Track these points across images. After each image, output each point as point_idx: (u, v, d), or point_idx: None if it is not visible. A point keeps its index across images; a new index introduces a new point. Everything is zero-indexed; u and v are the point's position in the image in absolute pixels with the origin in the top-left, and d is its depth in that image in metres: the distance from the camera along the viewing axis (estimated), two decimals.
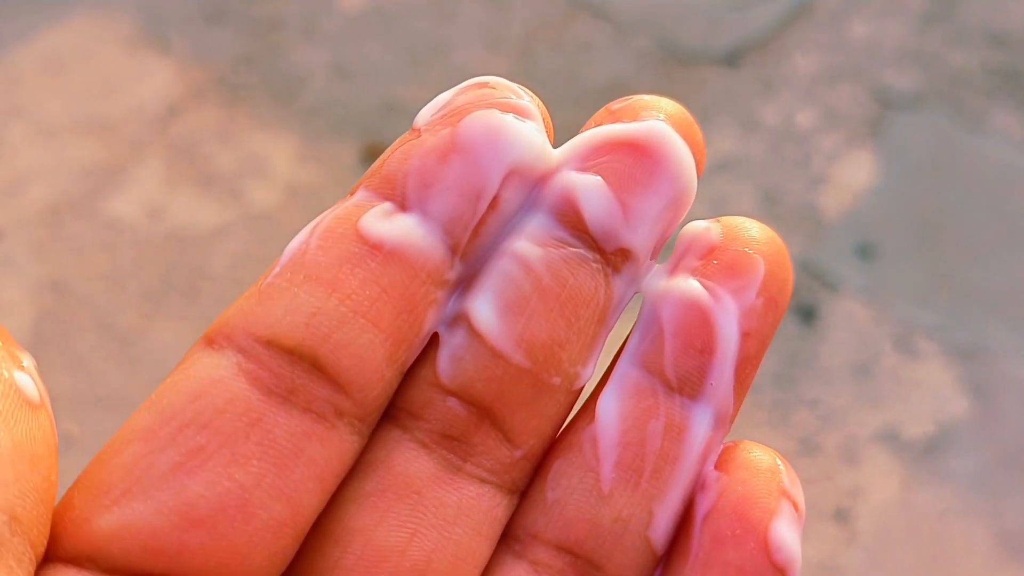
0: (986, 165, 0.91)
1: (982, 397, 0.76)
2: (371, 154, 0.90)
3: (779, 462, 0.18)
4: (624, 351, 0.19)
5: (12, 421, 0.15)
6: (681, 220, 0.19)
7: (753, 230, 0.19)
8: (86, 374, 0.78)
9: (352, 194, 0.18)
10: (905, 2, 1.03)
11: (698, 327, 0.18)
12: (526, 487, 0.18)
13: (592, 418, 0.18)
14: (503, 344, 0.17)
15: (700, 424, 0.18)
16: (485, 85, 0.19)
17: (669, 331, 0.18)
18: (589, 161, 0.18)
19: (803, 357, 0.78)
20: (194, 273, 0.83)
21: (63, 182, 0.89)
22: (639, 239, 0.18)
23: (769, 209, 0.87)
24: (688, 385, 0.18)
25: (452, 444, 0.18)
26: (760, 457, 0.18)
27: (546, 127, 0.19)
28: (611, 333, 0.19)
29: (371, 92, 0.95)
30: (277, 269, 0.17)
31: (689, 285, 0.18)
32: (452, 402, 0.18)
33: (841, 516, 0.71)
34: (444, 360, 0.18)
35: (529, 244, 0.18)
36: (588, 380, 0.19)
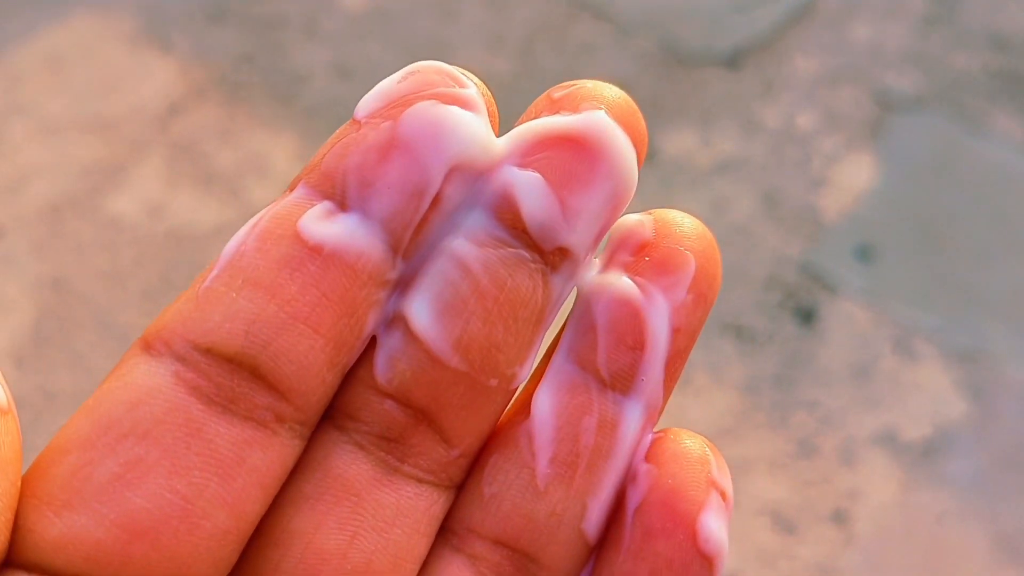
0: (986, 168, 0.91)
1: (980, 400, 0.76)
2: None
3: (708, 451, 0.18)
4: (558, 346, 0.19)
5: None
6: (620, 215, 0.19)
7: (685, 225, 0.19)
8: (86, 372, 0.78)
9: (291, 190, 0.18)
10: (906, 4, 1.03)
11: (630, 324, 0.18)
12: (463, 481, 0.19)
13: (528, 413, 0.18)
14: (440, 347, 0.17)
15: (631, 419, 0.18)
16: (428, 71, 0.18)
17: (602, 328, 0.18)
18: (529, 156, 0.18)
19: (802, 359, 0.78)
20: (194, 271, 0.83)
21: (64, 180, 0.89)
22: (578, 237, 0.18)
23: (769, 211, 0.87)
24: (620, 381, 0.18)
25: (389, 445, 0.18)
26: (690, 447, 0.18)
27: (491, 115, 0.18)
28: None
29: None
30: (215, 272, 0.17)
31: (622, 283, 0.18)
32: (389, 404, 0.17)
33: (839, 518, 0.71)
34: (381, 362, 0.17)
35: (467, 244, 0.18)
36: (525, 379, 0.19)
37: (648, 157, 0.94)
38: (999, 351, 0.79)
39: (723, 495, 0.18)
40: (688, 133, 0.92)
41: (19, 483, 0.16)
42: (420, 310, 0.17)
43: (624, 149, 0.18)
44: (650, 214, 0.19)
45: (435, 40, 1.00)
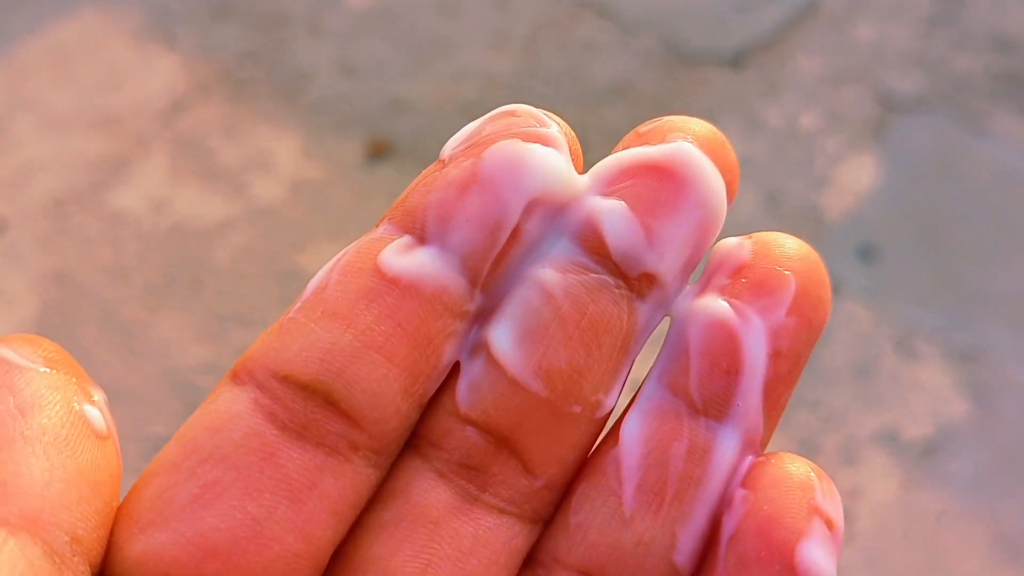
0: (988, 169, 0.91)
1: (981, 400, 0.76)
2: (375, 150, 0.90)
3: (812, 476, 0.17)
4: (651, 372, 0.18)
5: (79, 449, 0.16)
6: (711, 242, 0.18)
7: (786, 246, 0.18)
8: (90, 366, 0.78)
9: (377, 227, 0.18)
10: (910, 5, 1.03)
11: (724, 347, 0.18)
12: (552, 514, 0.18)
13: (617, 441, 0.18)
14: (521, 372, 0.17)
15: (726, 446, 0.18)
16: (511, 114, 0.18)
17: (695, 352, 0.18)
18: (613, 186, 0.18)
19: None
20: (198, 266, 0.83)
21: (69, 175, 0.89)
22: (664, 264, 0.18)
23: (772, 210, 0.87)
24: (714, 407, 0.18)
25: (470, 473, 0.18)
26: (791, 471, 0.17)
27: (573, 153, 0.18)
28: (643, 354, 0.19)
29: (376, 89, 0.96)
30: (299, 304, 0.18)
31: (715, 304, 0.18)
32: (470, 431, 0.18)
33: None
34: (463, 389, 0.18)
35: (549, 271, 0.18)
36: (612, 407, 0.18)
37: None
38: (1000, 351, 0.79)
39: (829, 523, 0.17)
40: None
41: (115, 504, 0.16)
42: (501, 336, 0.17)
43: (710, 176, 0.18)
44: (750, 237, 0.19)
45: (439, 38, 1.00)
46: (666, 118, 0.19)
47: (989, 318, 0.81)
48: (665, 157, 0.18)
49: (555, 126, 0.18)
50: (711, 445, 0.18)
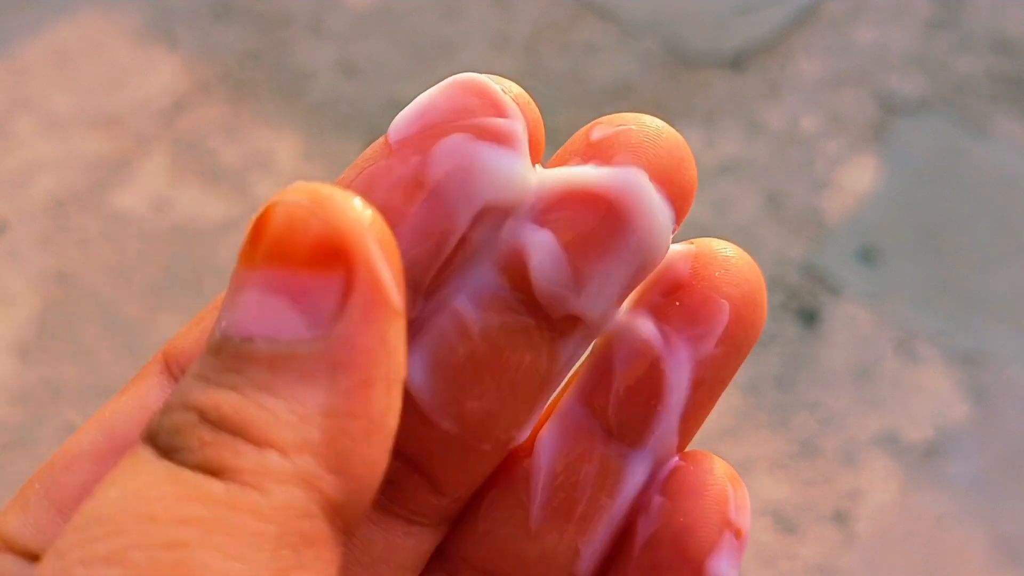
0: (989, 171, 0.91)
1: (982, 402, 0.76)
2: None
3: (728, 488, 0.17)
4: (572, 385, 0.18)
5: None
6: (645, 277, 0.18)
7: (728, 263, 0.17)
8: (91, 365, 0.78)
9: None
10: (910, 8, 1.03)
11: (647, 376, 0.17)
12: (460, 512, 0.18)
13: (530, 452, 0.18)
14: (431, 409, 0.17)
15: (637, 471, 0.18)
16: (469, 91, 0.17)
17: (617, 375, 0.18)
18: (551, 213, 0.17)
19: (804, 360, 0.79)
20: (199, 266, 0.83)
21: (69, 174, 0.89)
22: (591, 306, 0.17)
23: (772, 212, 0.87)
24: (629, 432, 0.18)
25: (381, 486, 0.17)
26: (707, 482, 0.17)
27: (533, 136, 0.17)
28: None
29: (377, 89, 0.96)
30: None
31: (643, 329, 0.17)
32: None
33: (840, 519, 0.71)
34: None
35: (470, 304, 0.17)
36: (523, 439, 0.18)
37: None
38: (1001, 353, 0.79)
39: (738, 533, 0.17)
40: (691, 134, 0.92)
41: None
42: (415, 368, 0.17)
43: (654, 215, 0.17)
44: (692, 244, 0.18)
45: (440, 39, 1.00)
46: (625, 125, 0.17)
47: (990, 320, 0.81)
48: (609, 188, 0.17)
49: (515, 116, 0.17)
50: (622, 470, 0.18)
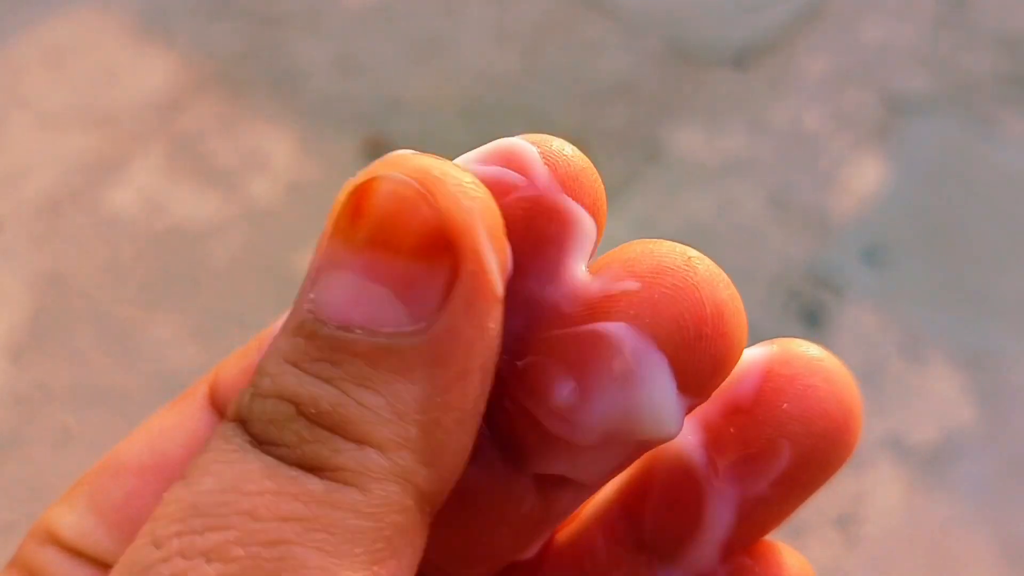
0: (995, 171, 0.90)
1: (989, 405, 0.75)
2: (373, 148, 0.90)
3: None
4: (615, 492, 0.17)
5: None
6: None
7: (805, 389, 0.15)
8: (84, 367, 0.77)
9: None
10: (916, 6, 1.02)
11: (686, 501, 0.16)
12: None
13: (539, 564, 0.18)
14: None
15: None
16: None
17: (656, 490, 0.16)
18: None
19: None
20: (193, 267, 0.82)
21: (63, 174, 0.88)
22: (582, 475, 0.16)
23: (776, 212, 0.86)
24: (663, 548, 0.17)
25: None
26: None
27: (594, 205, 0.16)
28: None
29: (374, 88, 0.95)
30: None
31: (690, 451, 0.16)
32: None
33: (844, 522, 0.70)
34: None
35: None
36: (529, 555, 0.17)
37: (654, 157, 0.93)
38: (1008, 356, 0.78)
39: None
40: (694, 133, 0.92)
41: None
42: None
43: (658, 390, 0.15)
44: (776, 347, 0.16)
45: (439, 36, 0.99)
46: (643, 256, 0.15)
47: (997, 322, 0.80)
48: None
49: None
50: None
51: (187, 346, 0.78)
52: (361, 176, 0.14)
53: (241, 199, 0.87)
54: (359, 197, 0.13)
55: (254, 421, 0.13)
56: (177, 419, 0.17)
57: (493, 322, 0.14)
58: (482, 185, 0.14)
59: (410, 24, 1.00)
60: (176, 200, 0.86)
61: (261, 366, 0.14)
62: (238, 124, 0.92)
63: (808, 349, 0.15)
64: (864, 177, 0.89)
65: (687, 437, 0.16)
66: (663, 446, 0.16)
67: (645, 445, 0.15)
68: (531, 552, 0.17)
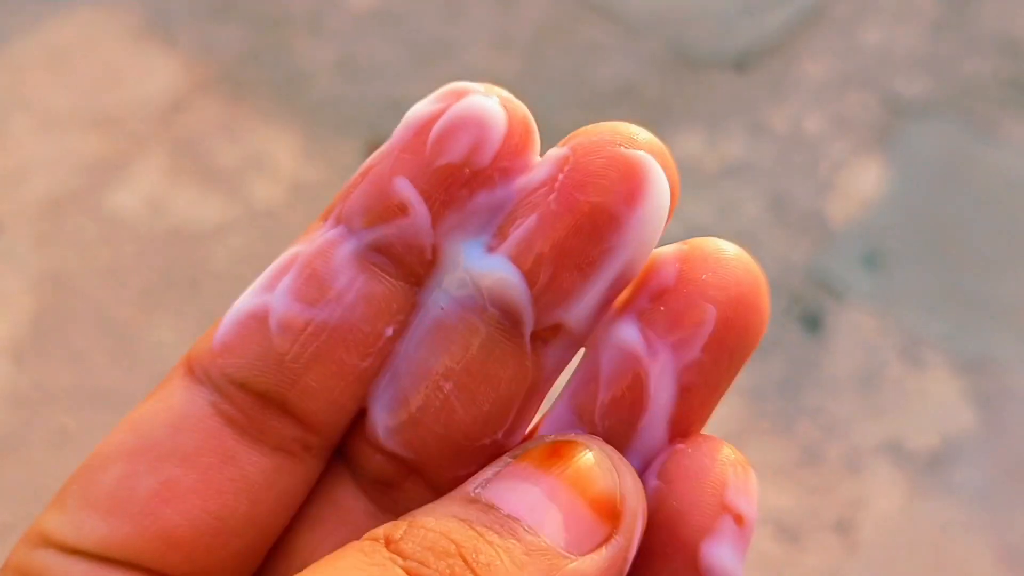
0: (996, 175, 0.90)
1: (988, 409, 0.75)
2: (374, 152, 0.90)
3: (728, 471, 0.17)
4: (564, 391, 0.18)
5: None
6: (630, 282, 0.18)
7: (718, 265, 0.17)
8: (84, 368, 0.77)
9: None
10: (917, 9, 1.02)
11: (629, 382, 0.17)
12: None
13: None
14: (422, 414, 0.18)
15: None
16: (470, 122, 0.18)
17: (603, 381, 0.18)
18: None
19: (807, 366, 0.78)
20: (195, 269, 0.82)
21: (65, 175, 0.88)
22: (575, 316, 0.17)
23: (776, 216, 0.86)
24: (616, 436, 0.18)
25: (383, 487, 0.18)
26: (705, 465, 0.17)
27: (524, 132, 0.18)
28: None
29: (377, 90, 0.95)
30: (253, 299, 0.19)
31: (627, 335, 0.17)
32: (380, 458, 0.18)
33: (843, 527, 0.70)
34: (377, 423, 0.18)
35: (450, 308, 0.18)
36: (515, 442, 0.18)
37: None
38: (1007, 360, 0.78)
39: (739, 519, 0.17)
40: (695, 136, 0.92)
41: None
42: (381, 410, 0.18)
43: (653, 206, 0.17)
44: (686, 245, 0.18)
45: (441, 39, 0.99)
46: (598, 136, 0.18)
47: (996, 326, 0.80)
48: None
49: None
50: None
51: (188, 348, 0.78)
52: (566, 436, 0.17)
53: (243, 201, 0.87)
54: (564, 448, 0.16)
55: (409, 542, 0.15)
56: (156, 402, 0.18)
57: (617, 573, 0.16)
58: (644, 496, 0.17)
59: (413, 27, 1.00)
60: (178, 202, 0.87)
61: (419, 516, 0.16)
62: (240, 126, 0.92)
63: (712, 240, 0.18)
64: (864, 181, 0.89)
65: (623, 325, 0.17)
66: (602, 339, 0.18)
67: (628, 276, 0.17)
68: (519, 434, 0.18)
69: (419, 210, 0.17)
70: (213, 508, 0.17)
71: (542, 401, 0.18)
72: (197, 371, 0.18)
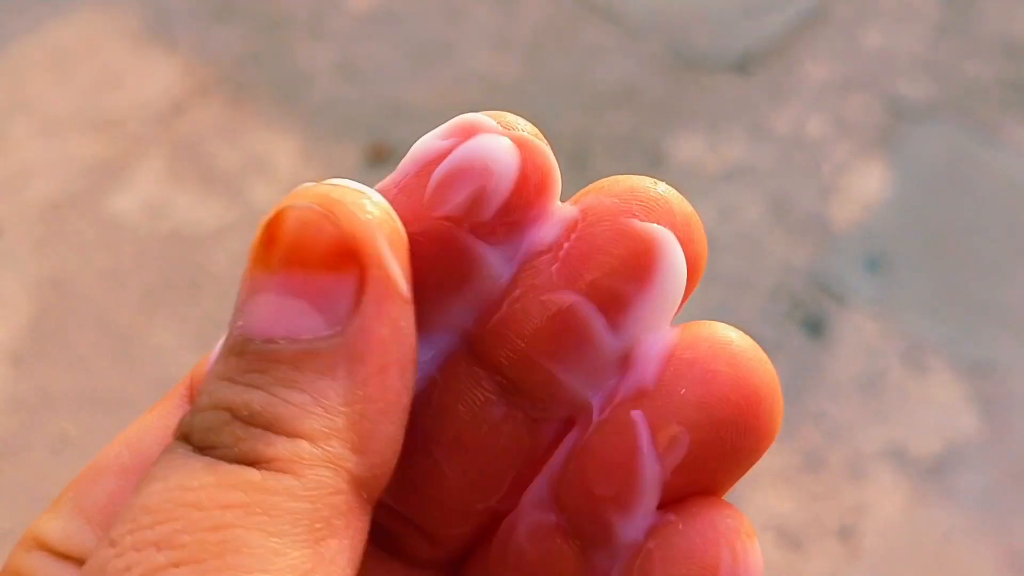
0: (998, 178, 0.89)
1: (991, 414, 0.75)
2: (376, 155, 0.89)
3: (724, 551, 0.15)
4: (549, 466, 0.17)
5: None
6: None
7: (706, 372, 0.15)
8: (84, 373, 0.77)
9: None
10: (919, 11, 1.02)
11: (621, 474, 0.16)
12: (459, 558, 0.19)
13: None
14: (419, 478, 0.18)
15: (595, 570, 0.17)
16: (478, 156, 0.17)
17: (573, 479, 0.17)
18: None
19: (809, 370, 0.77)
20: (195, 272, 0.82)
21: (65, 178, 0.88)
22: (575, 393, 0.17)
23: (778, 219, 0.86)
24: (584, 537, 0.17)
25: (386, 539, 0.18)
26: (697, 546, 0.16)
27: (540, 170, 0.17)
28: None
29: (377, 92, 0.95)
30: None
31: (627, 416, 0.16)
32: (379, 512, 0.17)
33: (845, 533, 0.70)
34: None
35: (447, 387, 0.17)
36: (512, 508, 0.18)
37: (656, 163, 0.93)
38: (1010, 365, 0.78)
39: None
40: (696, 138, 0.91)
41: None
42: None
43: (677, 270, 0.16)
44: (680, 336, 0.16)
45: (441, 41, 0.99)
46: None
47: (999, 330, 0.80)
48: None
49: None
50: (582, 571, 0.17)
51: (188, 352, 0.78)
52: (272, 210, 0.15)
53: (243, 204, 0.86)
54: (271, 227, 0.15)
55: (195, 432, 0.15)
56: (155, 419, 0.18)
57: (404, 320, 0.15)
58: (382, 202, 0.15)
59: (413, 29, 1.00)
60: (178, 205, 0.86)
61: (200, 388, 0.15)
62: (240, 129, 0.92)
63: (717, 331, 0.16)
64: (866, 184, 0.89)
65: (621, 409, 0.17)
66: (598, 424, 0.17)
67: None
68: (511, 502, 0.17)
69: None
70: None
71: (539, 471, 0.17)
72: (195, 396, 0.18)
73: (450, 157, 0.16)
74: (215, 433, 0.15)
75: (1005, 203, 0.88)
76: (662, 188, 0.16)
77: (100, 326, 0.79)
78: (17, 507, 0.71)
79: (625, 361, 0.16)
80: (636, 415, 0.16)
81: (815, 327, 0.79)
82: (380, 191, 0.17)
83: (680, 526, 0.16)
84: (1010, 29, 1.00)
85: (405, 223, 0.16)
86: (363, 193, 0.15)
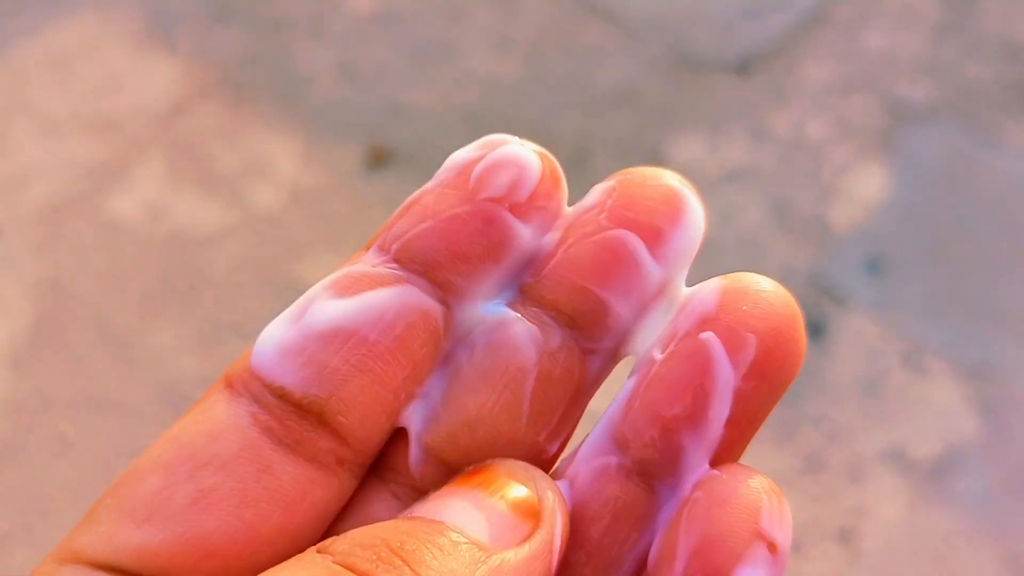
0: (999, 180, 0.89)
1: (992, 417, 0.75)
2: (376, 157, 0.89)
3: (762, 496, 0.17)
4: (604, 416, 0.19)
5: None
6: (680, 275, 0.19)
7: (759, 296, 0.18)
8: (83, 375, 0.77)
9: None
10: (920, 12, 1.02)
11: (693, 397, 0.18)
12: None
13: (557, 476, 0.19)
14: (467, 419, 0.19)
15: (660, 508, 0.18)
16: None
17: (641, 404, 0.18)
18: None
19: (809, 373, 0.77)
20: (195, 275, 0.82)
21: (64, 180, 0.88)
22: (623, 322, 0.19)
23: (778, 221, 0.86)
24: (650, 471, 0.18)
25: (421, 497, 0.19)
26: (739, 492, 0.17)
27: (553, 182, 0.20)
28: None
29: (378, 94, 0.95)
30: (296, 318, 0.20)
31: (695, 345, 0.18)
32: (423, 464, 0.19)
33: (845, 536, 0.70)
34: (420, 423, 0.19)
35: (503, 316, 0.19)
36: (559, 451, 0.19)
37: (655, 164, 0.92)
38: (1011, 367, 0.77)
39: (772, 547, 0.17)
40: (697, 140, 0.91)
41: None
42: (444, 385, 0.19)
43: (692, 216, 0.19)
44: (724, 280, 0.19)
45: (442, 43, 0.99)
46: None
47: (1000, 333, 0.79)
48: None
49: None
50: (645, 509, 0.18)
51: (187, 354, 0.78)
52: (485, 464, 0.18)
53: (243, 206, 0.86)
54: (478, 470, 0.18)
55: (339, 544, 0.16)
56: (195, 415, 0.18)
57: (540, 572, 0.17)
58: (564, 499, 0.18)
59: (413, 31, 1.00)
60: (178, 207, 0.86)
61: (351, 531, 0.17)
62: (240, 131, 0.92)
63: (749, 275, 0.19)
64: (867, 186, 0.89)
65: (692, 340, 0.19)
66: (647, 364, 0.19)
67: (670, 283, 0.19)
68: (557, 441, 0.19)
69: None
70: (248, 516, 0.17)
71: (585, 407, 0.19)
72: (236, 385, 0.19)
73: (488, 157, 0.19)
74: (361, 549, 0.16)
75: (1006, 205, 0.88)
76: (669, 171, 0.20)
77: (99, 328, 0.79)
78: (16, 509, 0.71)
79: (667, 304, 0.19)
80: (707, 335, 0.18)
81: (815, 329, 0.79)
82: (424, 191, 0.19)
83: (724, 476, 0.18)
84: (1011, 31, 1.00)
85: (455, 206, 0.18)
86: (553, 487, 0.18)
